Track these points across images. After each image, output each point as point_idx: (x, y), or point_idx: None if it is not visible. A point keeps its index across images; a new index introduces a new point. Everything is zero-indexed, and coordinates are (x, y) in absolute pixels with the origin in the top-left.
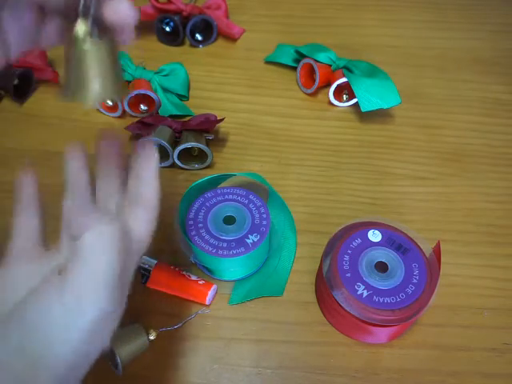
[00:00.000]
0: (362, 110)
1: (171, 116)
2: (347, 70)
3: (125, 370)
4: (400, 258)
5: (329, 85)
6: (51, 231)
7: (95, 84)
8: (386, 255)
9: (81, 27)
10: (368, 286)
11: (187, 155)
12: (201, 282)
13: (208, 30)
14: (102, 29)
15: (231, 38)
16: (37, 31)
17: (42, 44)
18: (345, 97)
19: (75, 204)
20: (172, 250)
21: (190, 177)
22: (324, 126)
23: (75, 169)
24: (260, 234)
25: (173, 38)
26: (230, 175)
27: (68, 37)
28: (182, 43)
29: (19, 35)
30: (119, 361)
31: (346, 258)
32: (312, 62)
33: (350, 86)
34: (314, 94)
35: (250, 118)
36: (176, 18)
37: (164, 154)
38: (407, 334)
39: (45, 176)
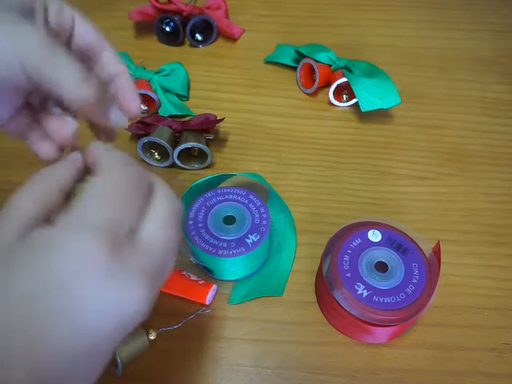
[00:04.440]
0: (362, 110)
1: (171, 116)
2: (347, 70)
3: (125, 370)
4: (400, 258)
5: (329, 85)
6: None
7: None
8: (385, 255)
9: None
10: (368, 286)
11: (187, 155)
12: (201, 282)
13: (208, 30)
14: None
15: (231, 38)
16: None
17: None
18: (345, 97)
19: None
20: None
21: (190, 177)
22: (324, 126)
23: None
24: (260, 233)
25: (173, 38)
26: (230, 175)
27: None
28: (181, 43)
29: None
30: (119, 361)
31: (346, 257)
32: (312, 62)
33: (349, 86)
34: (313, 94)
35: (249, 118)
36: (176, 18)
37: (164, 154)
38: (407, 334)
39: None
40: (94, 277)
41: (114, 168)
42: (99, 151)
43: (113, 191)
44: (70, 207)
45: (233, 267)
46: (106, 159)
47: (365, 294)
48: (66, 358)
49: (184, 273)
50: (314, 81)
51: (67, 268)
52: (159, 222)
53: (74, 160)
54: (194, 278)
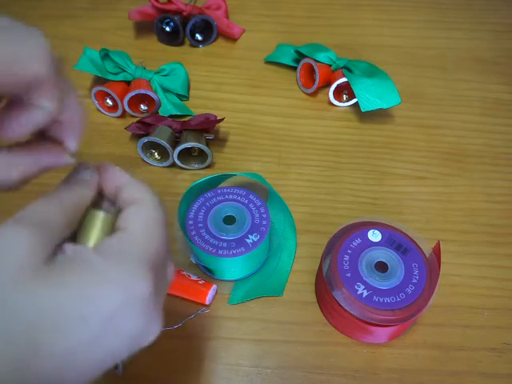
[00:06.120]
0: (362, 110)
1: (171, 116)
2: (347, 69)
3: (125, 370)
4: (400, 258)
5: (329, 85)
6: None
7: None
8: (385, 255)
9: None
10: (368, 286)
11: (187, 155)
12: (201, 282)
13: (208, 30)
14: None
15: (231, 38)
16: None
17: None
18: (345, 97)
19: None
20: (172, 250)
21: (190, 177)
22: (324, 126)
23: None
24: (260, 233)
25: (173, 38)
26: (230, 175)
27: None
28: (182, 43)
29: None
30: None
31: (346, 257)
32: (312, 62)
33: (349, 86)
34: (313, 94)
35: (249, 117)
36: (176, 18)
37: (164, 154)
38: (407, 334)
39: (44, 176)
40: (137, 314)
41: (151, 207)
42: (125, 180)
43: (153, 229)
44: (114, 237)
45: (233, 267)
46: (141, 194)
47: (365, 294)
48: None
49: (184, 273)
50: (314, 81)
51: (112, 299)
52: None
53: (92, 183)
54: (193, 277)
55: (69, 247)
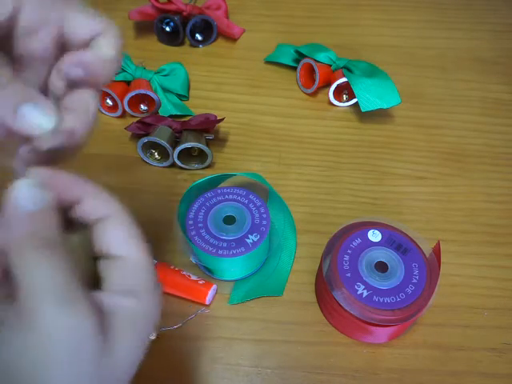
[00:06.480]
0: (362, 110)
1: (171, 116)
2: (347, 69)
3: None
4: (400, 258)
5: (329, 85)
6: None
7: None
8: (385, 255)
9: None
10: (368, 286)
11: (187, 155)
12: (201, 282)
13: (208, 30)
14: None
15: (231, 38)
16: None
17: None
18: (345, 97)
19: None
20: (172, 250)
21: (190, 177)
22: (324, 126)
23: None
24: (260, 233)
25: (173, 38)
26: (230, 175)
27: None
28: (182, 43)
29: None
30: None
31: (346, 257)
32: (312, 61)
33: (349, 86)
34: (314, 94)
35: (250, 117)
36: (176, 18)
37: (164, 154)
38: (407, 334)
39: None
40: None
41: (128, 221)
42: (84, 189)
43: (141, 244)
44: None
45: (233, 267)
46: (110, 208)
47: (365, 294)
48: None
49: (184, 273)
50: (314, 81)
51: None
52: None
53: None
54: (193, 277)
55: (106, 304)
